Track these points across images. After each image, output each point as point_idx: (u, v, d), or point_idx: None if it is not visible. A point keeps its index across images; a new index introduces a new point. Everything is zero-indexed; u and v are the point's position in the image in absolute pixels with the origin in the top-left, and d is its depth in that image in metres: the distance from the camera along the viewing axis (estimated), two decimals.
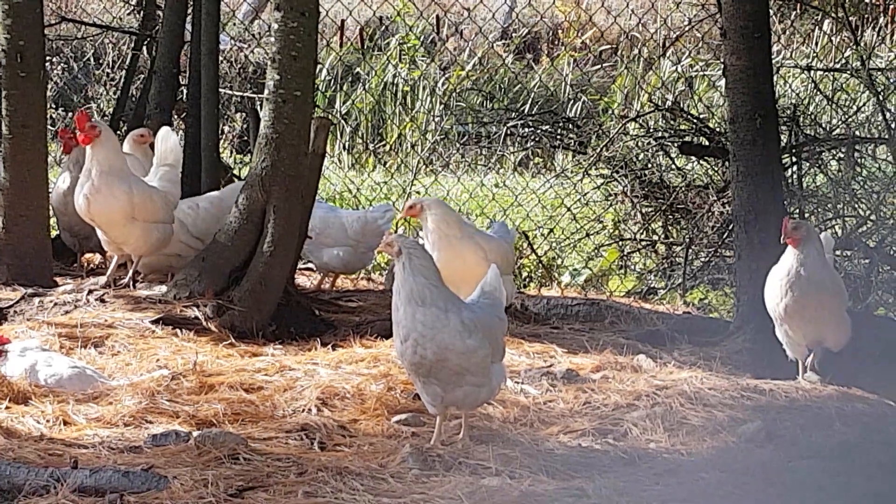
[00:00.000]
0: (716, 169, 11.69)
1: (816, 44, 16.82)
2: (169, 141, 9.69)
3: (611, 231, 12.33)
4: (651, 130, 12.45)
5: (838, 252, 10.98)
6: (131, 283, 9.39)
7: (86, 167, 9.26)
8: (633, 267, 12.21)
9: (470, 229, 8.99)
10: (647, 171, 12.02)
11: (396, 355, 6.65)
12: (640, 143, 12.34)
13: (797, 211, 10.94)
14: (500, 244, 9.04)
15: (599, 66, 18.01)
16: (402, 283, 6.46)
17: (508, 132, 13.46)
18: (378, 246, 10.40)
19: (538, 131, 13.43)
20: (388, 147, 16.24)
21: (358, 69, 17.15)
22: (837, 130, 11.93)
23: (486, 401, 6.79)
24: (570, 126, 13.55)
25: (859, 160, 11.35)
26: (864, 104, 12.54)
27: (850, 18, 15.26)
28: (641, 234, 12.08)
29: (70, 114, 15.38)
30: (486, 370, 6.52)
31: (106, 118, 13.54)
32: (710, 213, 11.34)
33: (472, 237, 8.85)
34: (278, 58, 8.80)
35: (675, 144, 11.79)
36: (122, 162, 9.36)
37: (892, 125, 11.12)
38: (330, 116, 15.31)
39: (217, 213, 9.70)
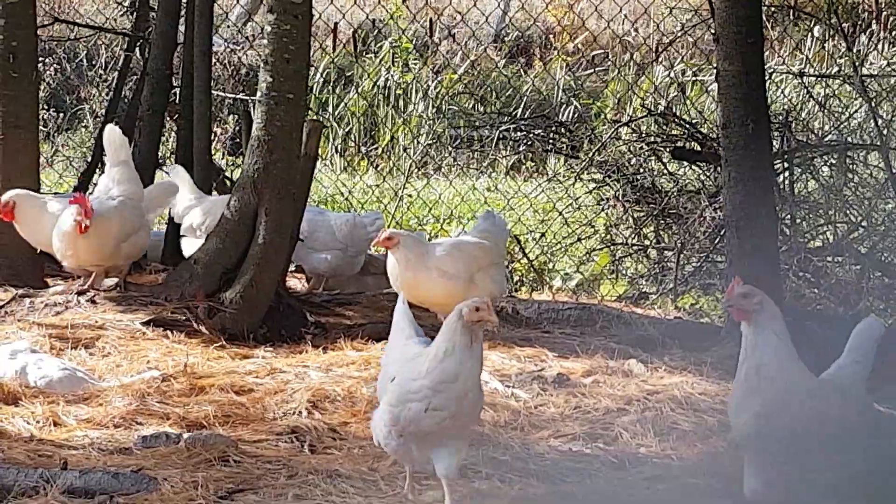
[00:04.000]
0: (708, 174, 11.68)
1: (809, 50, 16.83)
2: (116, 138, 9.46)
3: (602, 235, 12.32)
4: (643, 135, 12.45)
5: (829, 258, 10.98)
6: (122, 285, 9.36)
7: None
8: (624, 272, 12.19)
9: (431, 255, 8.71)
10: (639, 176, 12.01)
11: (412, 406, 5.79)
12: (632, 148, 12.33)
13: (788, 216, 10.94)
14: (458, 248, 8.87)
15: (592, 71, 18.01)
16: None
17: (501, 136, 13.44)
18: (365, 250, 10.45)
19: (530, 135, 13.43)
20: (380, 150, 16.23)
21: (351, 72, 17.14)
22: (829, 136, 11.93)
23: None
24: (563, 130, 13.55)
25: (851, 166, 11.34)
26: (856, 110, 12.52)
27: (843, 25, 15.28)
28: (633, 238, 12.07)
29: (62, 115, 15.35)
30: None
31: (98, 119, 13.52)
32: (701, 219, 11.33)
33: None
34: (271, 60, 8.80)
35: (668, 149, 11.78)
36: None
37: (884, 132, 11.12)
38: (322, 119, 15.30)
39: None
